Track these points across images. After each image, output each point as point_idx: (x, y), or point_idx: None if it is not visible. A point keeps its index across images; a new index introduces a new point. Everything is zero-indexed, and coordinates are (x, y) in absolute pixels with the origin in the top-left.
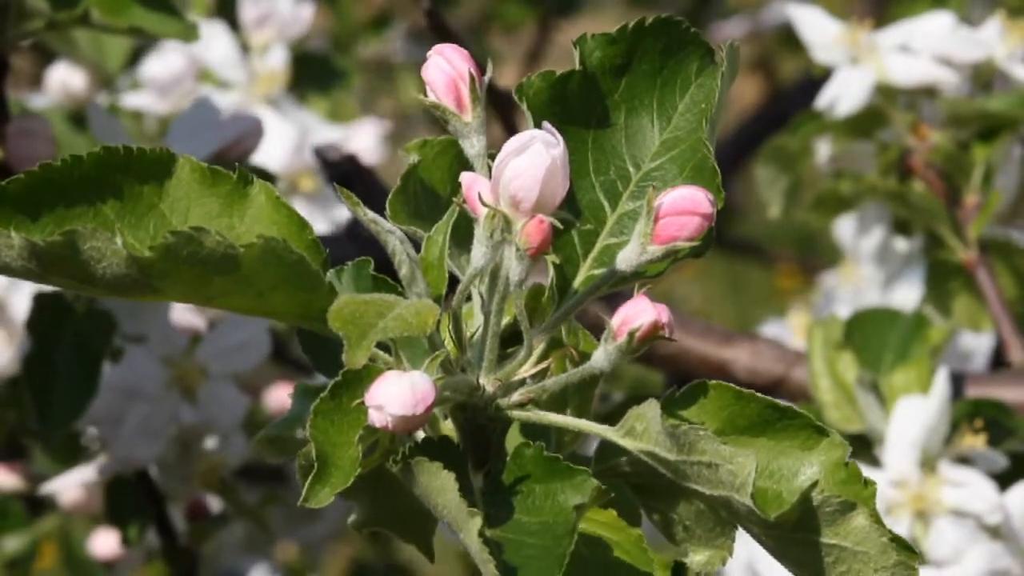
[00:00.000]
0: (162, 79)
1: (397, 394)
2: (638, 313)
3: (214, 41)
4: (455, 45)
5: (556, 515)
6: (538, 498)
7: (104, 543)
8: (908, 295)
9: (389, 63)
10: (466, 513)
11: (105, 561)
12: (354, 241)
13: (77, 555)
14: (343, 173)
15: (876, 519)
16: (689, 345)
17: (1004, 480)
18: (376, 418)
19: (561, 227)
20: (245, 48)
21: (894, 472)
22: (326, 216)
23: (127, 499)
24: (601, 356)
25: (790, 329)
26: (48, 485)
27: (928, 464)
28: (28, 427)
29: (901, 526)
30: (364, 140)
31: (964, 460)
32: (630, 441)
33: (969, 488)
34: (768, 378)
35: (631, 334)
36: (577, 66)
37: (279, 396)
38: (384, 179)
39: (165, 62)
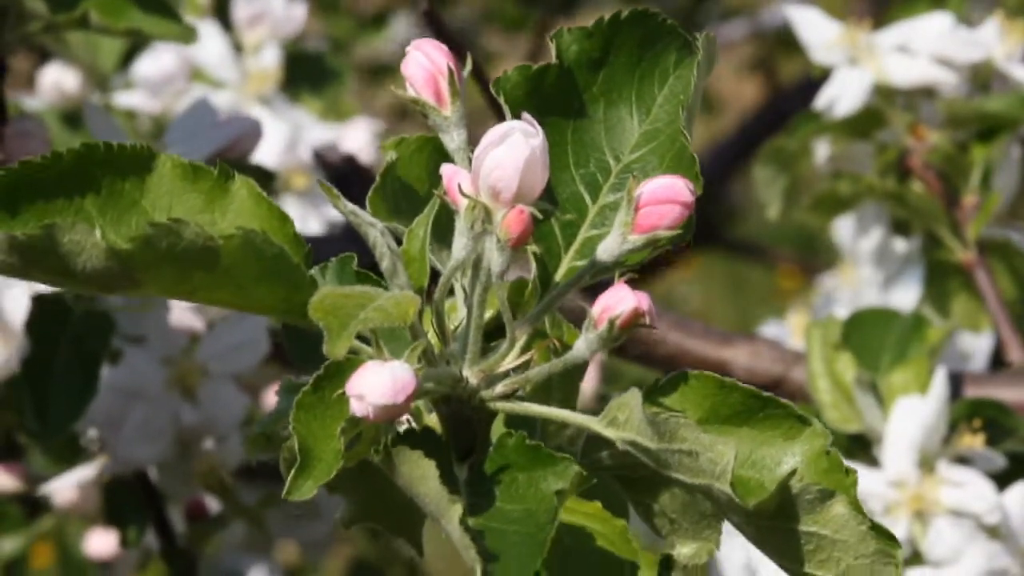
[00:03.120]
0: (154, 79)
1: (377, 383)
2: (618, 301)
3: (206, 41)
4: (433, 40)
5: (538, 502)
6: (520, 486)
7: (99, 543)
8: (906, 295)
9: (387, 63)
10: (447, 501)
11: (100, 561)
12: (353, 242)
13: (72, 556)
14: (342, 174)
15: (856, 507)
16: (688, 346)
17: (1003, 480)
18: (357, 407)
19: (541, 217)
20: (238, 47)
21: (892, 472)
22: (319, 214)
23: (126, 500)
24: (582, 345)
25: (789, 330)
26: (46, 486)
27: (927, 464)
28: (26, 428)
29: (899, 526)
30: (357, 139)
31: (963, 460)
32: (612, 431)
33: (968, 488)
34: (767, 378)
35: (611, 322)
36: (554, 60)
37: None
38: None
39: (157, 62)
